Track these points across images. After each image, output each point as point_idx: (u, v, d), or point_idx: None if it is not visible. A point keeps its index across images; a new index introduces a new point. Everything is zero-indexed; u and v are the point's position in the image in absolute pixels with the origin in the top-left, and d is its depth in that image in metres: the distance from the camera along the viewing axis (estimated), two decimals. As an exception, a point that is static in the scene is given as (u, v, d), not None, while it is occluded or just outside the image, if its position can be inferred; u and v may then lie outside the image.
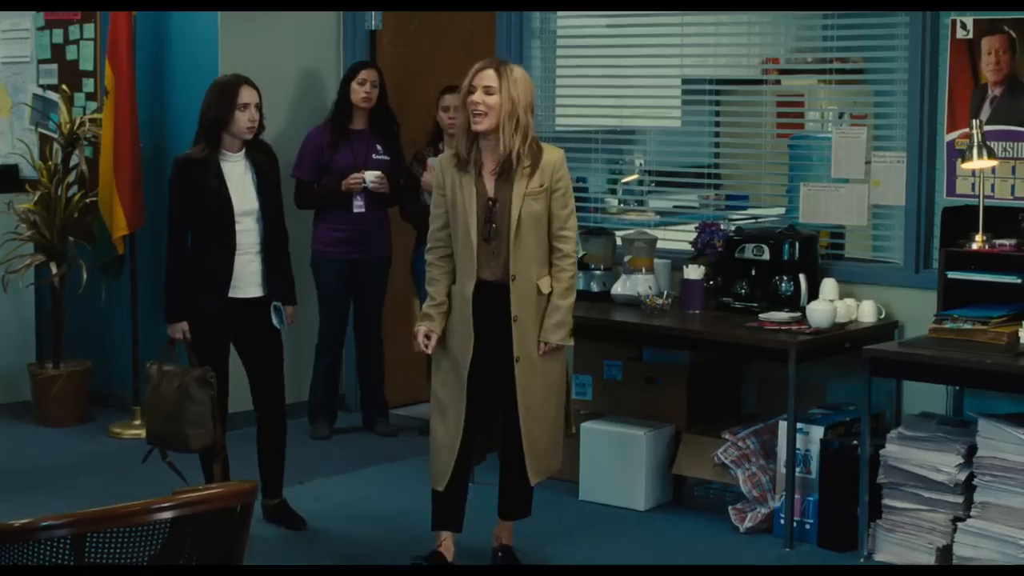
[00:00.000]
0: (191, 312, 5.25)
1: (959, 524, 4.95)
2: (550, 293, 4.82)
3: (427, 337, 4.84)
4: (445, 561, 4.97)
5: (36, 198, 7.10)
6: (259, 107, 5.25)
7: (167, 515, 2.78)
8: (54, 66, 7.57)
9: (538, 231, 4.78)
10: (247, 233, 5.26)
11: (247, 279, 5.28)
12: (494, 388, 4.87)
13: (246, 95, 5.21)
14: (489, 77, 4.70)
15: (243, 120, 5.20)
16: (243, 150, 5.28)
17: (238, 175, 5.26)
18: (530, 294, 4.78)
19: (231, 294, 5.26)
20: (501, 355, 4.81)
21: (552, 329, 4.80)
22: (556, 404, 4.92)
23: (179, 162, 5.29)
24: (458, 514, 5.00)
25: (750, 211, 6.51)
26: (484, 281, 4.78)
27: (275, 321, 5.35)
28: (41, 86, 7.65)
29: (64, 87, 7.31)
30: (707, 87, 6.45)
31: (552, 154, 4.83)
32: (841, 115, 6.29)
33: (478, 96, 4.69)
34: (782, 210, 6.29)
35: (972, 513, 4.94)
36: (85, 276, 7.00)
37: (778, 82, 6.51)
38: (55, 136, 7.26)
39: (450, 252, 4.87)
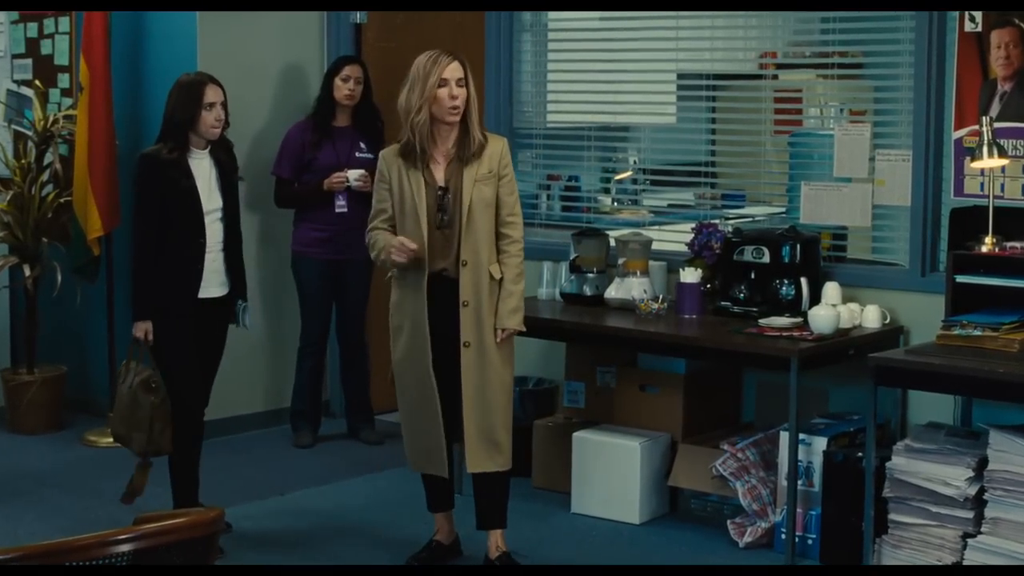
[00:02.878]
0: (159, 311, 5.12)
1: (969, 540, 4.76)
2: (501, 279, 4.85)
3: (403, 249, 4.73)
4: (444, 547, 5.11)
5: (9, 197, 6.95)
6: (224, 105, 5.18)
7: (126, 548, 2.60)
8: (28, 61, 7.37)
9: (488, 217, 4.84)
10: (212, 232, 5.17)
11: (212, 278, 5.20)
12: (450, 378, 4.87)
13: (212, 94, 5.13)
14: (459, 69, 4.75)
15: (209, 119, 5.13)
16: (207, 147, 5.20)
17: (204, 174, 5.18)
18: (483, 280, 4.82)
19: (199, 294, 5.16)
20: (454, 344, 4.83)
21: (508, 315, 4.86)
22: (506, 394, 4.92)
23: (148, 160, 5.16)
24: (446, 495, 5.11)
25: (748, 210, 6.33)
26: (438, 271, 4.82)
27: (246, 321, 5.31)
28: (15, 82, 7.46)
29: (38, 83, 7.12)
30: (703, 82, 6.30)
31: (497, 142, 4.90)
32: (841, 111, 6.10)
33: (457, 90, 4.72)
34: (781, 210, 6.11)
35: (983, 529, 4.75)
36: (60, 278, 6.84)
37: (775, 77, 6.33)
38: (29, 133, 7.09)
39: (392, 229, 4.87)
